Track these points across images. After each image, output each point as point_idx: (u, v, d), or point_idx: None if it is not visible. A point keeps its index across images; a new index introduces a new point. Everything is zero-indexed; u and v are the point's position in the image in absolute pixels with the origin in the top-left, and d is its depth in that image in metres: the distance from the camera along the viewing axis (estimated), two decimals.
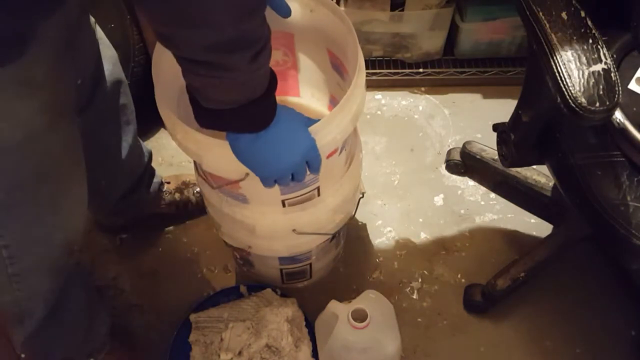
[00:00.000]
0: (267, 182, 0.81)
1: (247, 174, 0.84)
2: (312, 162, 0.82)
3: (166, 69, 0.87)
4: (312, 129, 0.81)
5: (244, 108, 0.70)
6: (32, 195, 0.80)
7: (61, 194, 0.86)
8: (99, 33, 0.98)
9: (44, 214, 0.84)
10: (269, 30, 0.65)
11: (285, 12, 0.92)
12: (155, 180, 1.34)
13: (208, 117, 0.73)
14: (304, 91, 1.17)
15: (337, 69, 1.05)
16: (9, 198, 0.78)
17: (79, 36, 0.87)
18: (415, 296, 1.33)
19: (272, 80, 0.72)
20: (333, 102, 1.14)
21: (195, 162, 1.03)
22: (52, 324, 0.98)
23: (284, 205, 0.99)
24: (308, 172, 0.83)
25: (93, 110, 1.02)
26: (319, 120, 0.83)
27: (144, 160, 1.27)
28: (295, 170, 0.80)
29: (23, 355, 1.01)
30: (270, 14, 0.88)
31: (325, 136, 0.83)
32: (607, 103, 0.80)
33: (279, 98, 0.75)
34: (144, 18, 0.61)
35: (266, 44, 0.66)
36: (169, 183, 1.40)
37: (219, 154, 0.81)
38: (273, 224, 1.03)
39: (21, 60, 0.67)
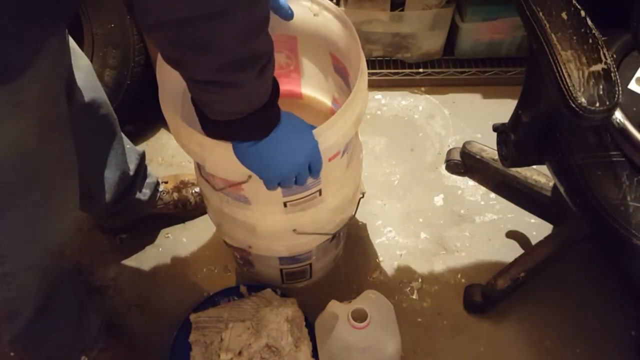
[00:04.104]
0: (270, 184, 0.81)
1: (249, 176, 0.84)
2: (313, 165, 0.82)
3: (170, 70, 0.86)
4: (314, 132, 0.82)
5: (250, 117, 0.71)
6: (22, 201, 0.81)
7: (52, 199, 0.87)
8: (72, 43, 0.98)
9: (35, 218, 0.85)
10: (272, 41, 0.66)
11: (288, 15, 0.92)
12: (150, 181, 1.34)
13: (215, 128, 0.74)
14: (306, 93, 1.18)
15: (340, 72, 1.05)
16: None
17: (63, 50, 0.87)
18: (415, 296, 1.33)
19: (274, 88, 0.73)
20: (335, 104, 1.15)
21: (197, 164, 1.03)
22: (41, 323, 0.98)
23: (285, 206, 0.99)
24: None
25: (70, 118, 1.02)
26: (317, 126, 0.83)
27: (134, 164, 1.26)
28: (298, 172, 0.81)
29: (12, 354, 1.02)
30: (273, 17, 0.89)
31: (328, 139, 0.84)
32: (607, 103, 0.80)
33: (281, 100, 0.76)
34: (153, 44, 0.62)
35: (271, 56, 0.67)
36: (166, 183, 1.40)
37: (222, 156, 0.81)
38: (274, 224, 1.03)
39: (14, 82, 0.67)
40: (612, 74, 0.82)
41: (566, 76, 0.82)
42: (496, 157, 1.27)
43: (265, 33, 0.63)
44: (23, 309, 0.95)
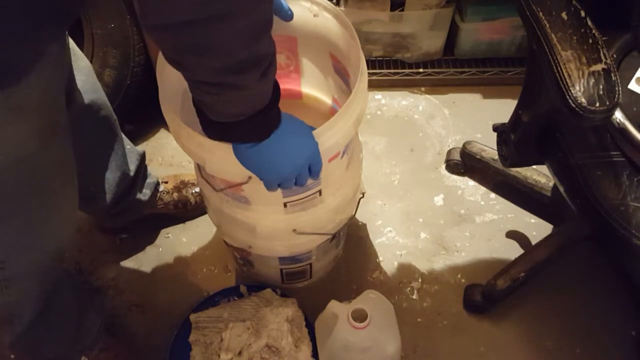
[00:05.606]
0: (271, 185, 0.81)
1: (249, 177, 0.84)
2: (313, 166, 0.82)
3: (170, 71, 0.87)
4: (314, 133, 0.82)
5: (251, 119, 0.71)
6: (21, 206, 0.80)
7: (51, 204, 0.86)
8: (71, 44, 0.97)
9: (34, 223, 0.84)
10: (274, 43, 0.66)
11: (288, 15, 0.93)
12: (150, 181, 1.34)
13: (215, 129, 0.74)
14: (306, 93, 1.18)
15: (340, 72, 1.05)
16: None
17: (64, 52, 0.87)
18: (415, 296, 1.33)
19: (275, 89, 0.73)
20: (335, 104, 1.15)
21: (197, 164, 1.03)
22: (41, 325, 0.98)
23: (285, 206, 0.99)
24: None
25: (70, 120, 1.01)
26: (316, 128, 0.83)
27: (134, 164, 1.26)
28: (298, 173, 0.81)
29: (12, 356, 1.02)
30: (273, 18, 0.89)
31: (328, 140, 0.84)
32: (607, 103, 0.80)
33: (281, 101, 0.76)
34: (155, 44, 0.62)
35: (273, 59, 0.66)
36: (166, 183, 1.40)
37: (222, 157, 0.82)
38: (274, 224, 1.03)
39: (15, 86, 0.67)
40: (612, 74, 0.82)
41: (566, 76, 0.82)
42: (496, 157, 1.27)
43: (268, 35, 0.63)
44: (23, 311, 0.95)
